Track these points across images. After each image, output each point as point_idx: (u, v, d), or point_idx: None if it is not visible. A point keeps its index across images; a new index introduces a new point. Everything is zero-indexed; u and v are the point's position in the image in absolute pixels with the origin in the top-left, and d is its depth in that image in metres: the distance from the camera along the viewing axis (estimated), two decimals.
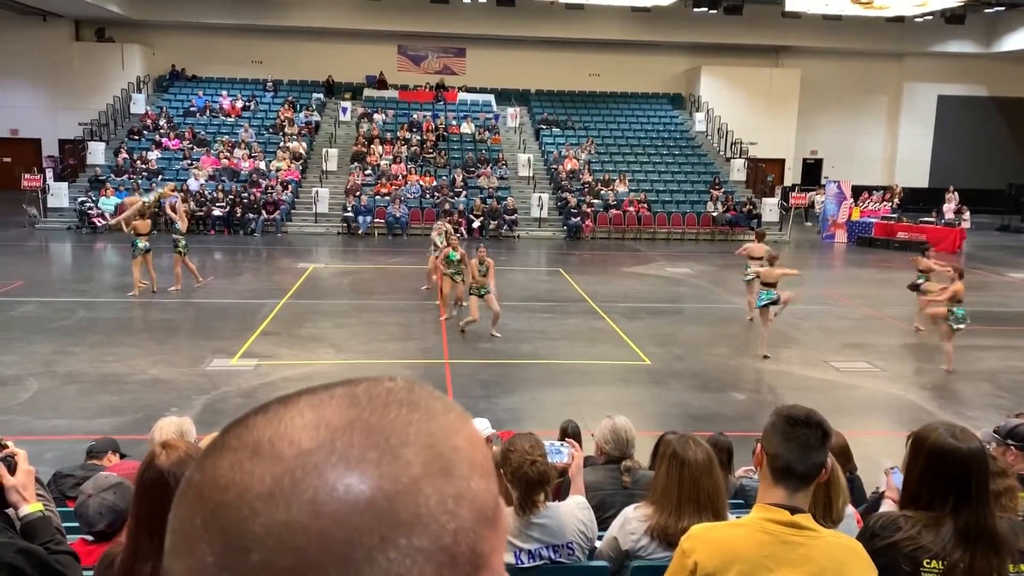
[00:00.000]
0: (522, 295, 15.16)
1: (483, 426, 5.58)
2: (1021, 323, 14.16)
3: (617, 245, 23.19)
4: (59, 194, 23.00)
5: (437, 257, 13.20)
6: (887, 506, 3.26)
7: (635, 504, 3.32)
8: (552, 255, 21.31)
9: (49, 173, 23.39)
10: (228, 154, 25.35)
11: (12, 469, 2.42)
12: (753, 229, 17.93)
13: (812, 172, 33.38)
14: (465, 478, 0.52)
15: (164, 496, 2.03)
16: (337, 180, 25.06)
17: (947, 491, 2.33)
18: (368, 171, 25.25)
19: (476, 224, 23.01)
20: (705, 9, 26.15)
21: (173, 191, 19.38)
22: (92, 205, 22.23)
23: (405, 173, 25.27)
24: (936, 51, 31.23)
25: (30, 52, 28.42)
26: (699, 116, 30.37)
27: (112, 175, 23.98)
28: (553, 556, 3.21)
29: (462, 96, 30.29)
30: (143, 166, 24.48)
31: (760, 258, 13.30)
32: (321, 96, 29.74)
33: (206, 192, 23.26)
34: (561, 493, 3.84)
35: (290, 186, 24.39)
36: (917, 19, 27.40)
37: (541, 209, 24.22)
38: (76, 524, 3.13)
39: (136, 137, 26.31)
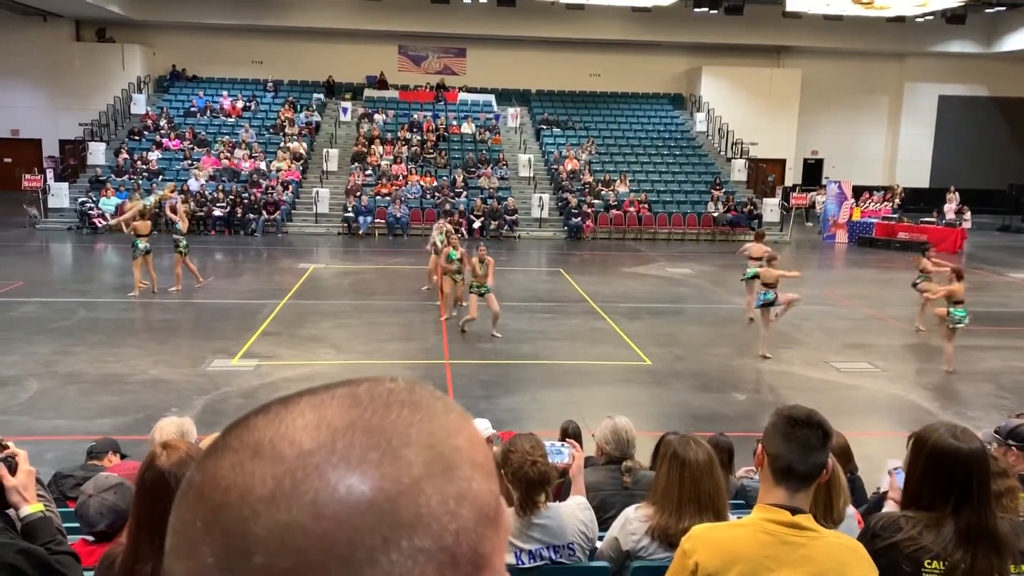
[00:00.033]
0: (523, 295, 15.16)
1: (484, 426, 5.58)
2: (1022, 323, 14.14)
3: (618, 245, 23.19)
4: (60, 194, 23.02)
5: (439, 255, 13.18)
6: (890, 507, 3.25)
7: (636, 504, 3.32)
8: (553, 255, 21.30)
9: (50, 173, 23.40)
10: (228, 154, 25.35)
11: (13, 470, 2.42)
12: (754, 229, 17.94)
13: (813, 172, 33.38)
14: (467, 478, 0.52)
15: (165, 496, 2.03)
16: (337, 180, 25.07)
17: (948, 492, 2.33)
18: (368, 171, 25.25)
19: (477, 224, 23.01)
20: (706, 9, 26.15)
21: (173, 191, 19.40)
22: (93, 205, 22.25)
23: (405, 173, 25.27)
24: (937, 51, 31.23)
25: (31, 52, 28.43)
26: (700, 116, 30.37)
27: (113, 175, 23.99)
28: (554, 556, 3.21)
29: (462, 96, 30.29)
30: (143, 166, 24.49)
31: (759, 258, 13.32)
32: (321, 96, 29.75)
33: (206, 192, 23.27)
34: (562, 493, 3.84)
35: (290, 186, 24.39)
36: (918, 19, 27.39)
37: (542, 209, 24.22)
38: (77, 524, 3.13)
39: (137, 137, 26.32)
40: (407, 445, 0.51)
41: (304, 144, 26.59)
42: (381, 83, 30.63)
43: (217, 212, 22.69)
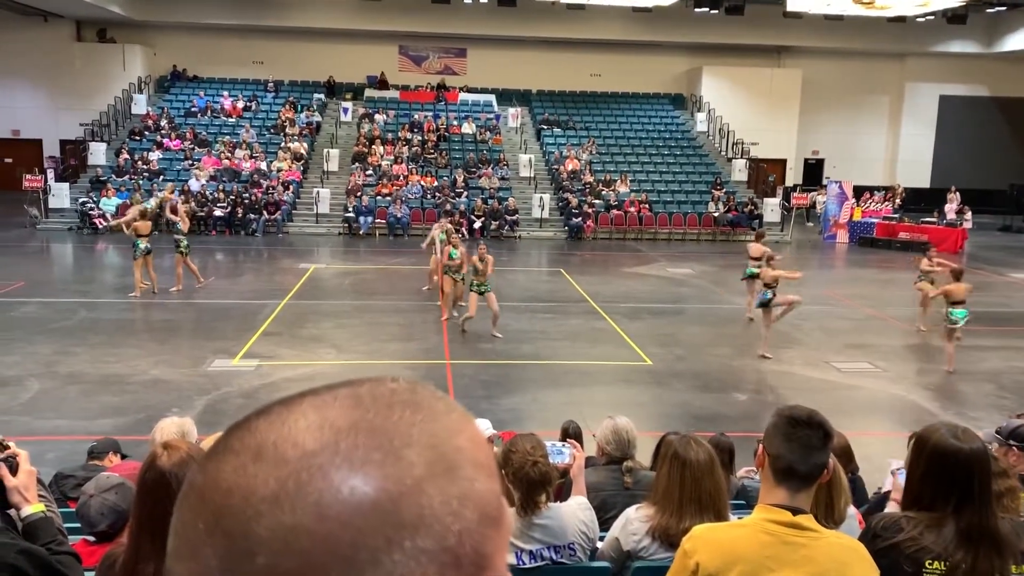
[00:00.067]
0: (523, 295, 15.16)
1: (485, 427, 5.58)
2: (1023, 323, 14.14)
3: (618, 245, 23.19)
4: (60, 195, 23.03)
5: (439, 255, 13.17)
6: (892, 507, 3.25)
7: (637, 505, 3.32)
8: (553, 255, 21.30)
9: (50, 174, 23.41)
10: (229, 154, 25.36)
11: (14, 470, 2.42)
12: (754, 229, 17.95)
13: (813, 172, 33.38)
14: (469, 479, 0.52)
15: (166, 497, 2.03)
16: (338, 180, 25.07)
17: (949, 492, 2.33)
18: (369, 171, 25.26)
19: (477, 224, 23.01)
20: (706, 9, 26.15)
21: (172, 192, 19.42)
22: (93, 206, 22.26)
23: (406, 173, 25.28)
24: (938, 51, 31.22)
25: (31, 53, 28.45)
26: (700, 116, 30.37)
27: (113, 176, 24.01)
28: (555, 557, 3.21)
29: (463, 96, 30.29)
30: (144, 167, 24.50)
31: (758, 258, 13.35)
32: (322, 96, 29.76)
33: (207, 192, 23.27)
34: (563, 494, 3.84)
35: (291, 186, 24.40)
36: (919, 19, 27.39)
37: (542, 209, 24.22)
38: (78, 525, 3.13)
39: (137, 138, 26.33)
40: (409, 446, 0.51)
41: (305, 144, 26.60)
42: (382, 83, 30.64)
43: (218, 212, 22.70)
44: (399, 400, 0.54)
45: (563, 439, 4.71)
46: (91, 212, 22.07)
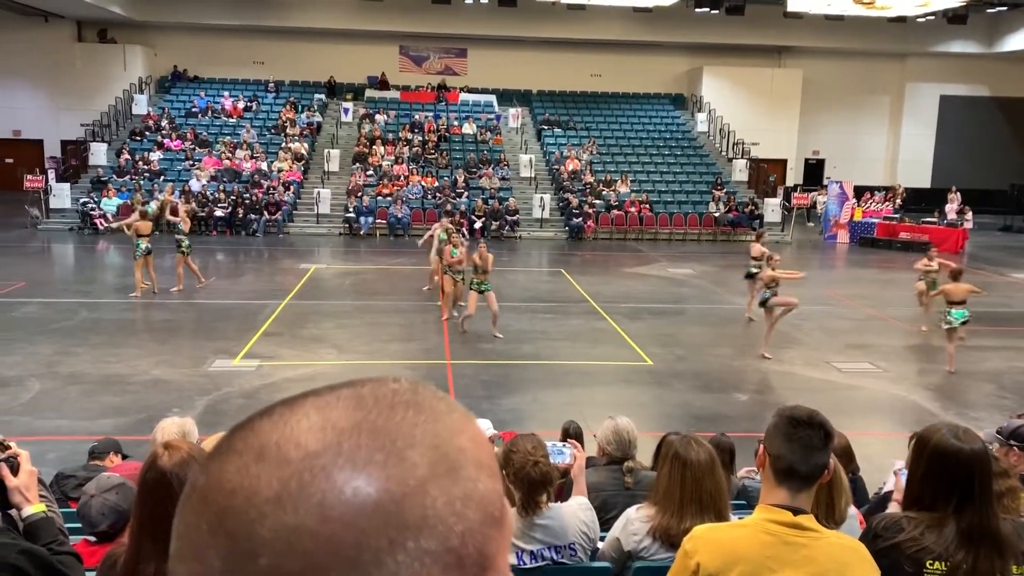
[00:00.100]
0: (524, 296, 15.17)
1: (486, 427, 5.58)
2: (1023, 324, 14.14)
3: (619, 246, 23.18)
4: (61, 195, 23.04)
5: (440, 255, 13.16)
6: (894, 507, 3.25)
7: (637, 505, 3.32)
8: (554, 256, 21.30)
9: (51, 174, 23.43)
10: (230, 155, 25.37)
11: (15, 470, 2.42)
12: (754, 230, 17.96)
13: (814, 172, 33.37)
14: (471, 479, 0.52)
15: (167, 497, 2.03)
16: (339, 181, 25.08)
17: (950, 492, 2.33)
18: (370, 172, 25.26)
19: (478, 225, 23.02)
20: (707, 9, 26.14)
21: (172, 193, 19.45)
22: (94, 206, 22.27)
23: (407, 174, 25.28)
24: (938, 51, 31.22)
25: (32, 53, 28.46)
26: (701, 116, 30.36)
27: (114, 176, 24.02)
28: (555, 557, 3.21)
29: (464, 97, 30.30)
30: (145, 167, 24.52)
31: (758, 258, 13.38)
32: (323, 97, 29.76)
33: (208, 193, 23.28)
34: (563, 494, 3.84)
35: (292, 187, 24.41)
36: (919, 19, 27.38)
37: (543, 210, 24.22)
38: (79, 525, 3.13)
39: (138, 138, 26.34)
40: (412, 446, 0.51)
41: (305, 144, 26.61)
42: (382, 83, 30.64)
43: (218, 212, 22.71)
44: (401, 401, 0.54)
45: (564, 439, 4.71)
46: (92, 212, 22.09)
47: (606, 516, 3.71)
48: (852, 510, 3.36)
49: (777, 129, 31.08)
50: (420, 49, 31.66)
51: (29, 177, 22.75)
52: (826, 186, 27.37)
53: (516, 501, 3.18)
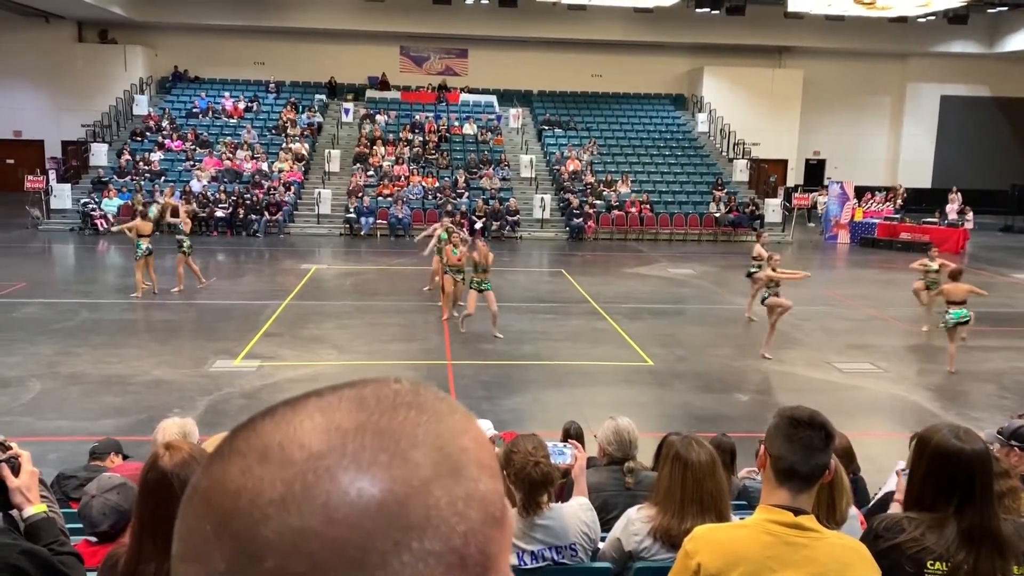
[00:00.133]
0: (524, 296, 15.17)
1: (486, 427, 5.58)
2: None
3: (619, 246, 23.18)
4: (62, 195, 23.05)
5: (442, 249, 13.15)
6: (896, 508, 3.25)
7: (638, 505, 3.32)
8: (554, 256, 21.30)
9: (52, 174, 23.43)
10: (230, 155, 25.38)
11: (16, 470, 2.43)
12: (755, 230, 17.95)
13: (815, 173, 33.36)
14: (474, 479, 0.52)
15: (168, 497, 2.03)
16: (339, 181, 25.08)
17: (951, 492, 2.33)
18: (370, 172, 25.27)
19: (478, 225, 23.02)
20: (707, 9, 26.15)
21: (171, 195, 19.47)
22: (95, 206, 22.28)
23: (407, 174, 25.28)
24: (939, 51, 31.21)
25: (33, 53, 28.47)
26: (701, 117, 30.36)
27: (115, 176, 24.03)
28: (556, 557, 3.21)
29: (464, 97, 30.30)
30: (146, 167, 24.53)
31: (756, 258, 13.41)
32: (323, 97, 29.77)
33: (209, 193, 23.29)
34: (564, 494, 3.84)
35: (292, 187, 24.42)
36: (920, 19, 27.37)
37: (543, 210, 24.23)
38: (80, 525, 3.14)
39: (139, 138, 26.36)
40: (415, 447, 0.51)
41: (306, 145, 26.61)
42: (383, 84, 30.65)
43: (219, 213, 22.71)
44: (403, 401, 0.54)
45: (564, 440, 4.71)
46: (93, 213, 22.10)
47: (607, 516, 3.71)
48: (853, 510, 3.36)
49: (778, 129, 31.07)
50: (421, 49, 31.66)
51: (30, 178, 22.76)
52: (827, 186, 27.35)
53: (517, 501, 3.18)
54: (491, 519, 0.53)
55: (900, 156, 33.51)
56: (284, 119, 27.65)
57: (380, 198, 23.99)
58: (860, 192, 26.45)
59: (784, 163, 31.81)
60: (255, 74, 30.42)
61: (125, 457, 4.88)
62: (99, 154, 25.35)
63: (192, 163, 24.99)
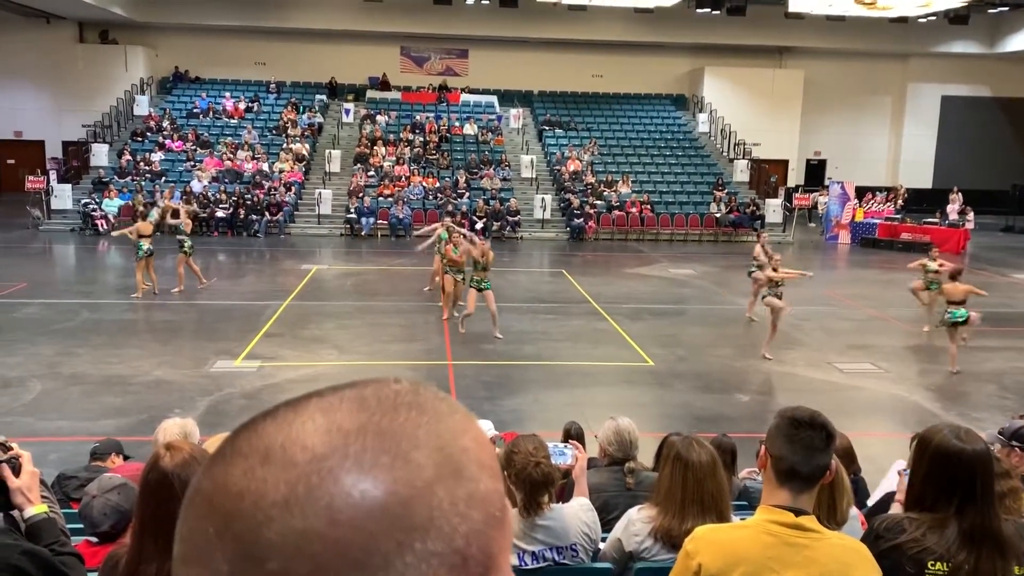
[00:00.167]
0: (525, 296, 15.17)
1: (487, 428, 5.58)
2: None
3: (620, 246, 23.18)
4: (63, 196, 23.06)
5: (442, 248, 13.15)
6: (897, 508, 3.25)
7: (639, 506, 3.32)
8: (555, 256, 21.30)
9: (53, 175, 23.45)
10: (231, 156, 25.39)
11: (16, 471, 2.43)
12: (756, 230, 17.96)
13: (816, 173, 33.35)
14: (475, 480, 0.53)
15: (169, 498, 2.03)
16: (340, 182, 25.09)
17: (951, 493, 2.33)
18: (371, 172, 25.27)
19: (479, 225, 23.01)
20: (708, 10, 26.13)
21: (170, 197, 19.47)
22: (95, 207, 22.29)
23: (408, 174, 25.29)
24: (940, 51, 31.20)
25: (34, 54, 28.48)
26: (702, 117, 30.35)
27: (116, 177, 24.04)
28: (557, 558, 3.21)
29: (465, 97, 30.30)
30: (146, 168, 24.54)
31: (757, 258, 13.43)
32: (324, 97, 29.78)
33: (209, 194, 23.30)
34: (565, 495, 3.84)
35: (293, 188, 24.42)
36: (920, 19, 27.36)
37: (544, 210, 24.23)
38: (81, 525, 3.14)
39: (139, 139, 26.37)
40: (417, 448, 0.51)
41: (307, 145, 26.62)
42: (383, 84, 30.65)
43: (220, 213, 22.72)
44: (404, 402, 0.54)
45: (565, 440, 4.71)
46: (93, 213, 22.11)
47: (607, 517, 3.71)
48: (854, 511, 3.36)
49: (778, 130, 31.07)
50: (421, 50, 31.67)
51: (31, 178, 22.78)
52: (827, 187, 27.34)
53: (518, 502, 3.18)
54: (492, 519, 0.53)
55: (901, 156, 33.50)
56: (285, 119, 27.66)
57: (381, 198, 23.99)
58: (861, 192, 26.44)
59: (785, 163, 31.81)
60: (256, 74, 30.43)
61: (126, 457, 4.88)
62: (100, 154, 25.36)
63: (193, 163, 25.00)
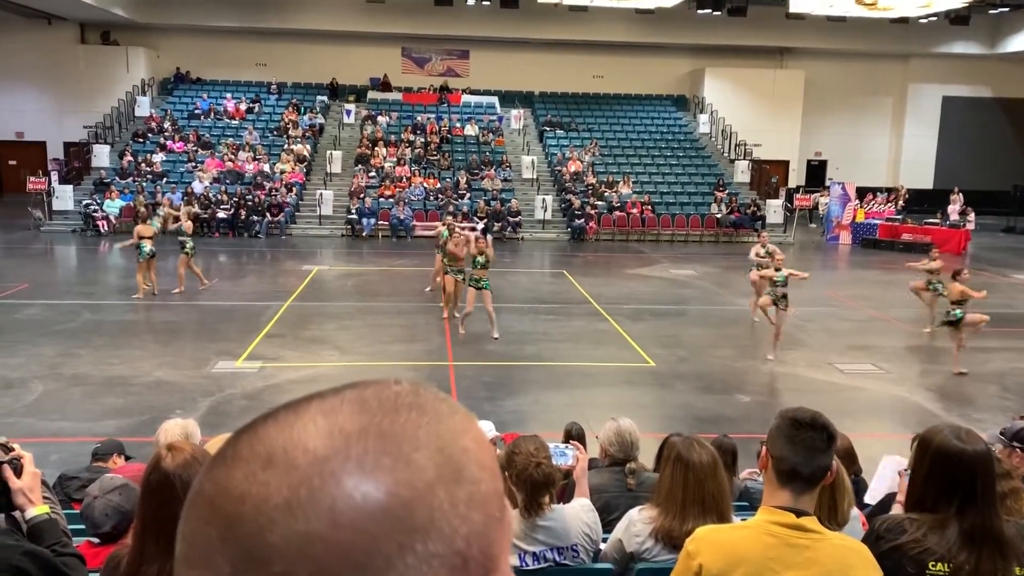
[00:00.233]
0: (526, 297, 15.17)
1: (488, 428, 5.58)
2: None
3: (621, 247, 23.18)
4: (64, 197, 23.08)
5: (444, 246, 13.16)
6: (897, 509, 3.25)
7: (640, 506, 3.32)
8: (556, 257, 21.31)
9: (54, 176, 23.48)
10: (232, 156, 25.40)
11: (18, 472, 2.43)
12: (756, 231, 17.95)
13: (816, 173, 33.34)
14: (475, 481, 0.53)
15: (170, 498, 2.03)
16: (341, 182, 25.10)
17: (952, 493, 2.33)
18: (372, 173, 25.28)
19: (480, 226, 23.01)
20: (709, 11, 26.12)
21: (169, 203, 19.48)
22: (97, 208, 22.30)
23: (409, 175, 25.30)
24: (940, 52, 31.19)
25: (35, 55, 28.51)
26: (703, 118, 30.35)
27: (117, 178, 24.06)
28: (558, 558, 3.21)
29: (466, 98, 30.31)
30: (148, 169, 24.55)
31: (757, 255, 13.44)
32: (325, 98, 29.79)
33: (210, 195, 23.31)
34: (566, 495, 3.84)
35: (294, 188, 24.43)
36: (921, 20, 27.35)
37: (545, 211, 24.23)
38: (82, 526, 3.14)
39: (141, 140, 26.39)
40: (418, 449, 0.51)
41: (308, 146, 26.63)
42: (384, 85, 30.67)
43: (221, 214, 22.74)
44: (404, 403, 0.54)
45: (566, 441, 4.71)
46: (94, 214, 22.12)
47: (608, 518, 3.71)
48: (855, 512, 3.36)
49: (779, 130, 31.06)
50: (422, 51, 31.68)
51: (32, 179, 22.80)
52: (828, 187, 27.33)
53: (519, 503, 3.18)
54: (492, 520, 0.53)
55: (902, 157, 33.49)
56: (286, 120, 27.67)
57: (382, 199, 24.00)
58: (862, 193, 26.43)
59: (786, 164, 31.80)
60: (257, 75, 30.44)
61: (127, 458, 4.89)
62: (101, 155, 25.39)
63: (194, 164, 25.01)
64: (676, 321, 13.78)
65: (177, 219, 15.18)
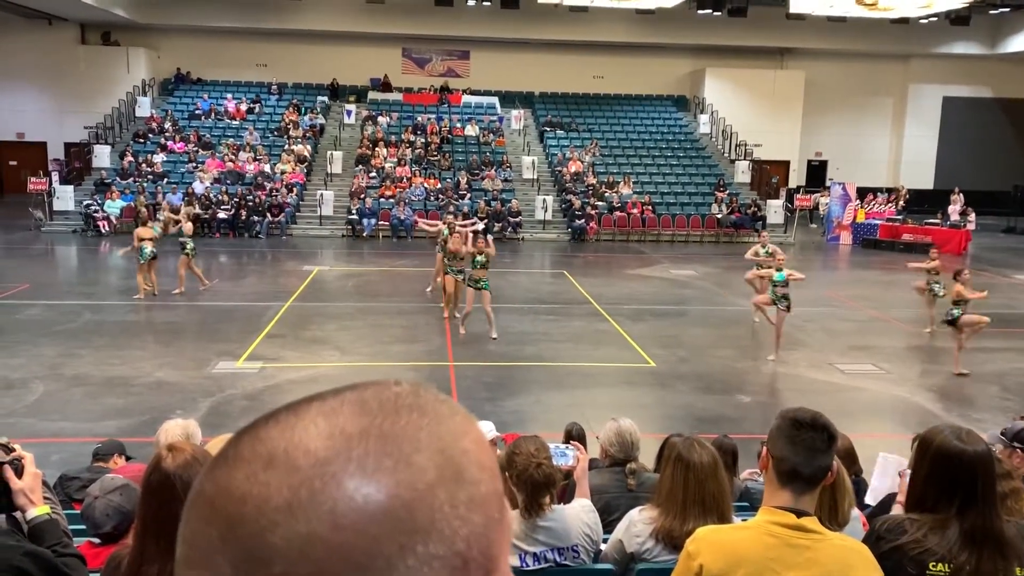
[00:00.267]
0: (526, 297, 15.17)
1: (488, 429, 5.57)
2: None
3: (621, 247, 23.17)
4: (65, 197, 23.08)
5: (445, 244, 13.16)
6: (898, 509, 3.25)
7: (640, 507, 3.32)
8: (556, 257, 21.31)
9: (55, 176, 23.49)
10: (233, 157, 25.40)
11: (19, 472, 2.43)
12: (757, 231, 17.94)
13: (817, 174, 33.33)
14: (476, 482, 0.53)
15: (171, 499, 2.03)
16: (341, 183, 25.11)
17: (953, 494, 2.33)
18: (372, 174, 25.29)
19: (480, 226, 23.00)
20: (709, 11, 26.12)
21: (167, 209, 19.49)
22: (98, 208, 22.31)
23: (409, 176, 25.30)
24: (941, 52, 31.18)
25: (36, 56, 28.52)
26: (703, 118, 30.35)
27: (117, 178, 24.07)
28: (558, 559, 3.21)
29: (466, 99, 30.31)
30: (148, 169, 24.56)
31: (756, 254, 13.45)
32: (325, 99, 29.79)
33: (211, 195, 23.32)
34: (566, 496, 3.84)
35: (295, 189, 24.44)
36: (922, 20, 27.35)
37: (545, 211, 24.23)
38: (83, 526, 3.14)
39: (141, 140, 26.40)
40: (419, 451, 0.51)
41: (308, 146, 26.63)
42: (385, 85, 30.67)
43: (221, 215, 22.74)
44: (404, 404, 0.54)
45: (566, 441, 4.71)
46: (95, 215, 22.12)
47: (609, 518, 3.71)
48: (855, 512, 3.36)
49: (780, 131, 31.06)
50: (423, 51, 31.68)
51: (33, 179, 22.81)
52: (829, 187, 27.32)
53: (519, 503, 3.18)
54: (492, 521, 0.53)
55: (902, 157, 33.48)
56: (286, 121, 27.68)
57: (382, 199, 24.00)
58: (862, 193, 26.42)
59: (786, 164, 31.79)
60: (257, 76, 30.45)
61: (128, 458, 4.89)
62: (102, 156, 25.39)
63: (194, 165, 25.02)
64: (676, 321, 13.78)
65: (177, 222, 15.19)
